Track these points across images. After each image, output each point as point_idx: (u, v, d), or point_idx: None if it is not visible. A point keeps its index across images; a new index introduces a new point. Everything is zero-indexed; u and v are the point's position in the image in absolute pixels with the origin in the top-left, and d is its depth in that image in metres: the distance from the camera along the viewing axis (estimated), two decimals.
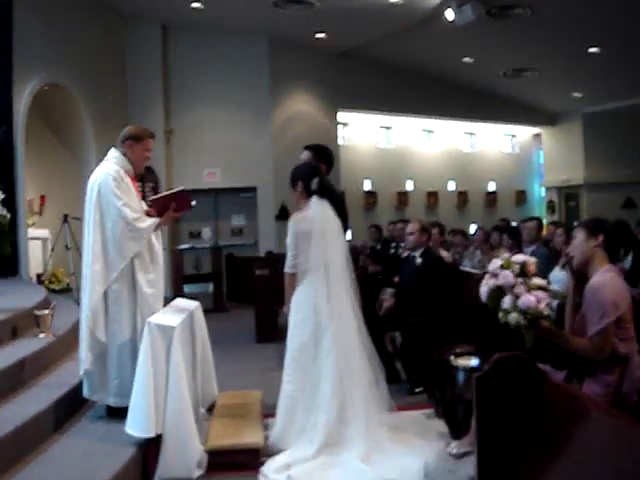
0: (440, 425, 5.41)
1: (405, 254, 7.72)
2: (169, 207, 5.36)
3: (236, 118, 15.88)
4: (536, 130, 22.52)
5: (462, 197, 20.79)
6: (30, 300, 7.57)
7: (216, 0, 13.62)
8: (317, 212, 5.23)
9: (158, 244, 5.29)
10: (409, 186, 19.70)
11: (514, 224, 12.75)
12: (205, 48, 15.54)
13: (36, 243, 12.14)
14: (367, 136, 19.01)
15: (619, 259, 4.28)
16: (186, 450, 4.54)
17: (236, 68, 15.73)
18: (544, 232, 9.53)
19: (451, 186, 20.63)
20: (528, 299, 3.95)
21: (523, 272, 4.07)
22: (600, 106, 20.26)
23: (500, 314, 4.04)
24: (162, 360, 4.56)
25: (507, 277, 4.05)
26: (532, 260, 4.19)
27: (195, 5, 13.87)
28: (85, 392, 5.15)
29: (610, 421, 2.91)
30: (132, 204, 5.12)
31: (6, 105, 11.25)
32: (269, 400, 5.77)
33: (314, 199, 5.26)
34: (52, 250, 11.59)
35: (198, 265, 13.88)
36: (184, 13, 14.34)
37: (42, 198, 13.19)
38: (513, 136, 22.35)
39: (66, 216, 11.39)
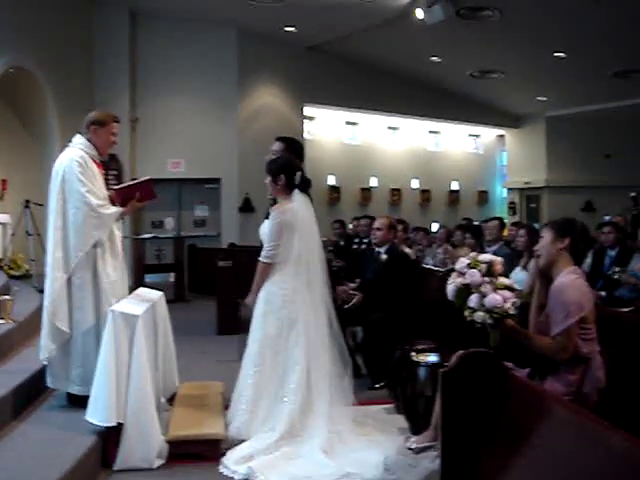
0: (400, 420, 5.47)
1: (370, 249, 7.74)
2: (133, 196, 5.34)
3: (202, 108, 15.80)
4: (500, 132, 22.77)
5: (425, 195, 20.95)
6: None
7: None
8: (300, 206, 5.26)
9: (118, 233, 5.27)
10: (373, 182, 19.78)
11: (475, 224, 12.90)
12: (173, 36, 15.45)
13: None
14: (333, 131, 19.05)
15: (583, 262, 4.35)
16: (147, 439, 4.52)
17: (204, 58, 15.64)
18: (505, 232, 9.65)
19: (414, 184, 20.75)
20: (495, 298, 4.01)
21: (490, 271, 4.13)
22: (563, 110, 20.60)
23: (466, 312, 4.10)
24: (125, 349, 4.53)
25: (474, 276, 4.11)
26: (499, 260, 4.25)
27: None
28: (48, 381, 5.11)
29: (574, 418, 2.97)
30: (96, 191, 5.08)
31: None
32: (230, 391, 5.77)
33: (297, 193, 5.28)
34: (12, 235, 11.44)
35: (160, 255, 13.78)
36: (155, 1, 14.25)
37: (3, 182, 12.98)
38: (477, 137, 22.56)
39: (28, 201, 11.26)
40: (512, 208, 22.25)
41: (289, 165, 5.38)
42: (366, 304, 6.86)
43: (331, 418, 4.94)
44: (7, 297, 6.52)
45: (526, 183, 21.85)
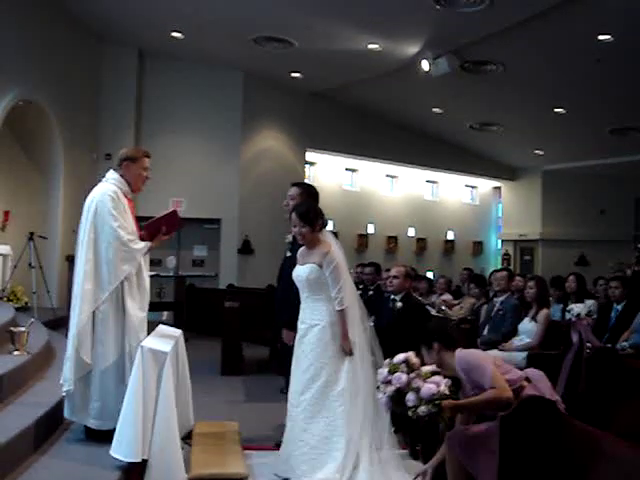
0: (416, 466, 5.44)
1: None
2: (160, 230, 5.40)
3: (205, 149, 15.93)
4: (497, 183, 23.03)
5: (421, 244, 21.09)
6: (0, 317, 7.46)
7: (196, 31, 13.73)
8: (337, 246, 5.37)
9: (146, 269, 5.31)
10: (370, 229, 19.92)
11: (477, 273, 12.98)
12: (180, 77, 15.63)
13: None
14: (333, 177, 19.19)
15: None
16: (171, 477, 4.47)
17: (210, 99, 15.82)
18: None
19: (411, 232, 20.91)
20: (429, 387, 4.17)
21: (411, 368, 4.30)
22: (560, 165, 20.92)
23: (409, 412, 4.22)
24: (153, 385, 4.53)
25: (400, 378, 4.28)
26: (411, 354, 4.49)
27: (175, 34, 13.96)
28: (66, 412, 5.11)
29: (631, 459, 3.00)
30: (127, 226, 5.14)
31: None
32: (246, 432, 5.79)
33: (330, 234, 5.36)
34: (15, 267, 11.40)
35: (161, 293, 13.71)
36: (163, 41, 14.44)
37: (6, 214, 12.97)
38: (474, 187, 22.80)
39: (32, 234, 11.25)
40: (506, 259, 22.39)
41: (318, 208, 5.49)
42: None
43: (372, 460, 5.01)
44: (22, 329, 6.50)
45: (521, 235, 22.08)
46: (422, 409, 4.15)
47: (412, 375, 4.29)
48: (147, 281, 5.33)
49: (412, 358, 4.43)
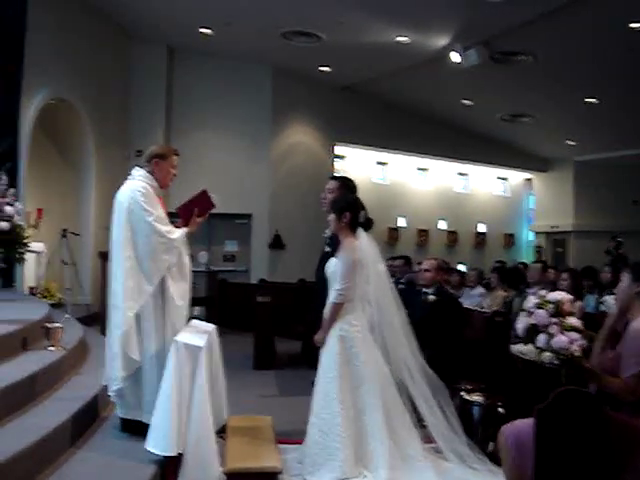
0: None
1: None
2: (192, 213, 5.38)
3: (235, 144, 15.99)
4: (528, 175, 22.83)
5: (452, 236, 20.98)
6: (35, 313, 7.51)
7: (225, 27, 13.76)
8: (366, 244, 5.34)
9: (186, 256, 5.32)
10: (401, 222, 19.87)
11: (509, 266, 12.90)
12: (210, 73, 15.73)
13: (30, 256, 12.04)
14: (363, 170, 19.07)
15: None
16: (206, 470, 4.50)
17: (239, 95, 15.89)
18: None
19: (442, 225, 20.82)
20: (561, 340, 4.00)
21: (558, 311, 4.13)
22: (592, 155, 20.65)
23: (535, 351, 4.09)
24: (187, 379, 4.56)
25: (541, 316, 4.11)
26: (567, 298, 4.24)
27: (204, 30, 14.02)
28: (120, 412, 5.14)
29: None
30: (163, 217, 5.17)
31: (13, 117, 11.26)
32: (279, 426, 5.80)
33: (361, 231, 5.35)
34: (48, 264, 11.52)
35: (194, 288, 13.76)
36: (192, 37, 14.51)
37: (39, 211, 13.06)
38: (505, 179, 22.62)
39: (65, 231, 11.35)
40: (538, 252, 22.16)
41: (354, 203, 5.46)
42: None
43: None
44: (58, 325, 6.55)
45: (553, 227, 21.88)
46: (547, 355, 4.02)
47: (553, 320, 4.10)
48: (188, 268, 5.34)
49: (566, 302, 4.21)
